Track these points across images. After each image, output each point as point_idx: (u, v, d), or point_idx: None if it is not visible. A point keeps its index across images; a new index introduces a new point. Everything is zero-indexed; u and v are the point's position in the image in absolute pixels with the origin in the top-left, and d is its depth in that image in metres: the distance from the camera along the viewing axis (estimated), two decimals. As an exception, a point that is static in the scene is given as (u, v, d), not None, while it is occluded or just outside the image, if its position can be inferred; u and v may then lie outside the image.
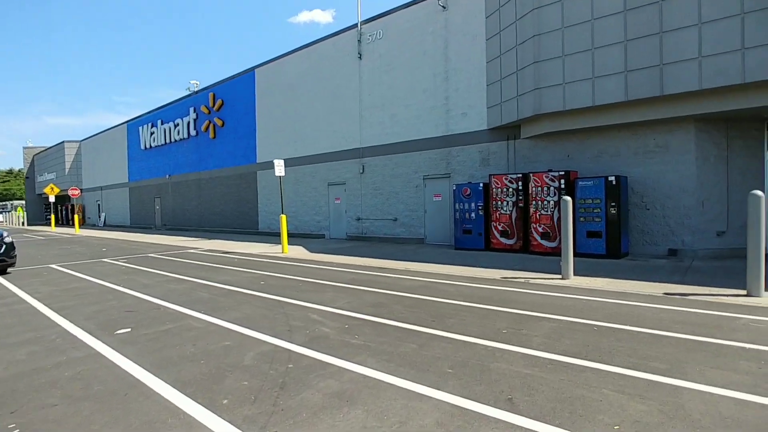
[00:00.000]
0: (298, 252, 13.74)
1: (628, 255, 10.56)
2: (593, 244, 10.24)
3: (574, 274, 8.11)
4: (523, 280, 8.09)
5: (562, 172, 10.62)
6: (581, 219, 10.45)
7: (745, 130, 10.10)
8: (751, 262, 6.15)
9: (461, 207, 12.68)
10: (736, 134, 10.11)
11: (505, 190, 11.73)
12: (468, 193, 12.48)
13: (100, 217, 38.49)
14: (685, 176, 10.14)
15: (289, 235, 19.54)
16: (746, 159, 10.21)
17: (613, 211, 10.00)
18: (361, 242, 16.33)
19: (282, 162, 14.06)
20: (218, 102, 24.03)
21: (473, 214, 12.41)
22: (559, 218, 10.68)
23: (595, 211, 10.21)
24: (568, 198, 7.98)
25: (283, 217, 14.01)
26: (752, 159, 10.24)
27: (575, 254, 9.84)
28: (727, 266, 8.77)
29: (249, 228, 22.51)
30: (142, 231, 28.45)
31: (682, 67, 8.82)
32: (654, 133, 10.47)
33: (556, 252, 10.60)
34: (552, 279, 8.05)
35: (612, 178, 9.98)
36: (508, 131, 12.90)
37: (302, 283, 8.28)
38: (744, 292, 6.30)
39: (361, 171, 16.90)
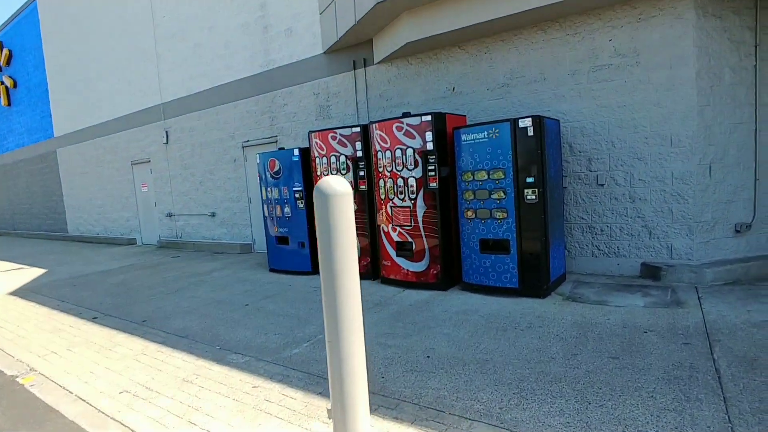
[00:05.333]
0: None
1: (564, 280, 5.19)
2: (494, 266, 4.76)
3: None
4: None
5: (428, 117, 4.98)
6: (467, 213, 4.93)
7: (790, 13, 4.86)
8: None
9: (270, 195, 6.86)
10: (772, 21, 4.85)
11: (334, 159, 5.98)
12: (276, 169, 6.65)
13: None
14: (674, 115, 4.82)
15: (95, 242, 13.13)
16: (790, 74, 5.00)
17: (531, 194, 4.50)
18: (165, 254, 10.21)
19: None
20: (5, 53, 16.64)
21: (288, 208, 6.63)
22: (429, 211, 5.11)
23: (494, 195, 4.68)
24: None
25: None
26: (800, 74, 5.04)
27: (461, 285, 4.44)
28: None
29: (59, 231, 15.73)
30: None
31: None
32: (611, 28, 5.04)
33: (425, 283, 5.06)
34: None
35: (526, 122, 4.45)
36: (355, 54, 7.14)
37: None
38: None
39: (165, 140, 10.67)
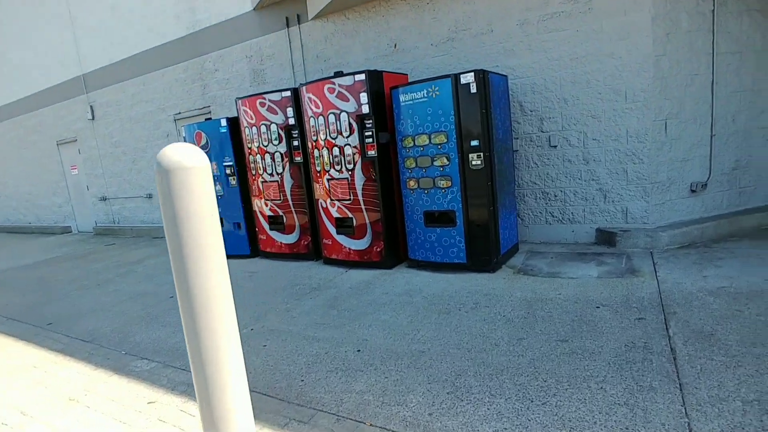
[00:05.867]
0: None
1: (516, 251, 4.84)
2: (440, 240, 4.33)
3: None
4: None
5: (361, 76, 4.39)
6: (410, 183, 4.46)
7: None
8: None
9: (199, 171, 6.16)
10: (731, -41, 4.46)
11: (264, 128, 5.35)
12: (203, 143, 5.95)
13: None
14: (628, 67, 4.42)
15: (28, 232, 12.07)
16: (747, 16, 4.65)
17: (476, 159, 4.05)
18: (100, 241, 9.38)
19: None
20: None
21: (219, 186, 5.99)
22: (368, 183, 4.60)
23: (436, 162, 4.21)
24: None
25: None
26: (756, 15, 4.70)
27: (408, 262, 4.04)
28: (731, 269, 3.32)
29: (-11, 220, 14.40)
30: None
31: None
32: (559, -31, 4.54)
33: (369, 262, 4.63)
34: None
35: (468, 78, 3.94)
36: (287, 10, 6.39)
37: None
38: None
39: (91, 116, 9.63)
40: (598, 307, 3.26)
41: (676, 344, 2.63)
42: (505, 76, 4.58)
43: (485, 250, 4.21)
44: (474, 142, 4.02)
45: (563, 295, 3.56)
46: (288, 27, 6.44)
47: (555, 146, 4.84)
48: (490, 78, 4.11)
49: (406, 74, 5.13)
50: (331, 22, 6.07)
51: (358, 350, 3.04)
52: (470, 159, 4.06)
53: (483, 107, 3.97)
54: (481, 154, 4.01)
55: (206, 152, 5.91)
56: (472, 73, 3.90)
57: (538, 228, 5.11)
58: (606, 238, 4.67)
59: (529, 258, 4.59)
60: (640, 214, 4.58)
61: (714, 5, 4.47)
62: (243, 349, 3.21)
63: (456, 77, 3.98)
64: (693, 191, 4.66)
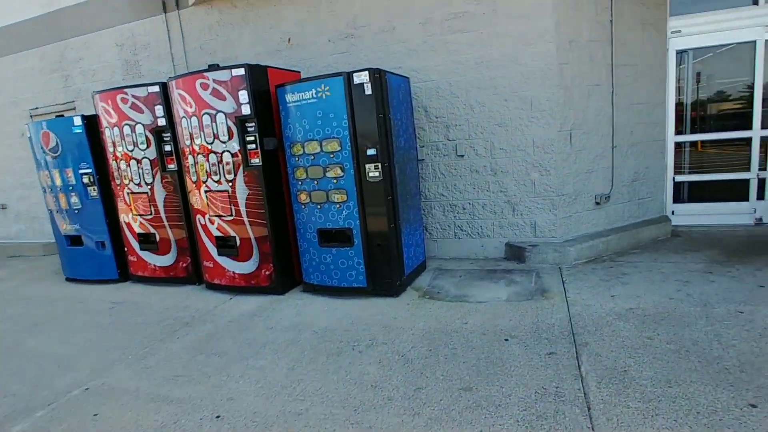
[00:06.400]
0: None
1: (424, 269, 4.42)
2: (336, 261, 3.76)
3: None
4: None
5: (240, 71, 3.70)
6: (301, 197, 3.84)
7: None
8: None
9: (50, 181, 5.04)
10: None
11: (128, 129, 4.42)
12: (53, 145, 4.85)
13: None
14: (534, 74, 4.20)
15: None
16: (641, 30, 4.67)
17: (373, 170, 3.53)
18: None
19: None
20: None
21: (76, 197, 4.92)
22: (253, 196, 3.90)
23: (329, 173, 3.63)
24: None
25: None
26: (650, 29, 4.75)
27: (303, 286, 3.37)
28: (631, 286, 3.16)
29: None
30: None
31: None
32: (463, -35, 4.22)
33: (258, 287, 3.90)
34: None
35: (362, 77, 3.42)
36: (165, -10, 5.49)
37: None
38: None
39: None
40: (506, 340, 2.88)
41: (589, 387, 2.29)
42: (407, 78, 4.15)
43: (387, 272, 3.71)
44: (371, 151, 3.51)
45: (470, 324, 3.15)
46: (165, 12, 5.54)
47: (462, 156, 4.51)
48: (389, 79, 3.64)
49: (299, 72, 4.52)
50: (216, 10, 5.29)
51: (218, 416, 2.37)
52: (367, 170, 3.55)
53: (380, 111, 3.47)
54: (379, 164, 3.51)
55: (56, 156, 4.83)
56: (367, 72, 3.40)
57: (448, 243, 4.74)
58: (515, 253, 4.41)
59: (437, 277, 4.18)
60: (548, 228, 4.38)
61: (612, 16, 4.40)
62: (63, 425, 2.39)
63: (349, 76, 3.45)
64: (597, 203, 4.56)
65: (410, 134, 4.10)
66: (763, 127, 4.85)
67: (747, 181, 4.96)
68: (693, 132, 5.15)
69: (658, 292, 3.42)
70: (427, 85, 4.51)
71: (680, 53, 5.00)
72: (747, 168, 4.94)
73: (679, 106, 5.16)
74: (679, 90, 5.16)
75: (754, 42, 4.73)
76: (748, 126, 4.88)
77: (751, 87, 4.82)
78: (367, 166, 3.55)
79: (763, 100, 4.81)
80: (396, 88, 3.80)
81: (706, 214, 5.09)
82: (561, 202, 4.33)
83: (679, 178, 5.15)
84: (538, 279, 3.90)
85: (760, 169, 4.92)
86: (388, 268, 3.72)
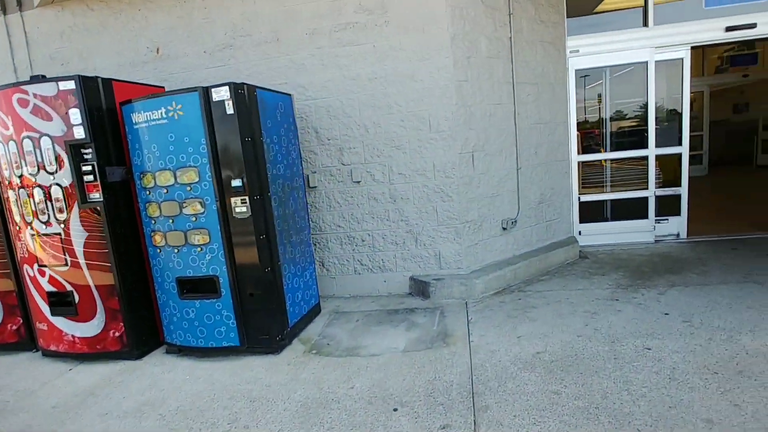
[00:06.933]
0: None
1: (318, 312, 3.85)
2: (201, 316, 3.07)
3: None
4: None
5: (69, 84, 2.95)
6: (155, 239, 3.12)
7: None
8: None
9: None
10: (522, -14, 4.26)
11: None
12: None
13: None
14: (431, 91, 3.85)
15: None
16: (541, 48, 4.53)
17: (240, 205, 2.91)
18: None
19: None
20: None
21: None
22: (94, 240, 3.10)
23: (186, 209, 2.96)
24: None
25: None
26: (550, 47, 4.63)
27: (165, 346, 2.56)
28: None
29: None
30: None
31: None
32: (349, -29, 3.79)
33: (106, 353, 3.04)
34: None
35: (221, 93, 2.82)
36: (0, -13, 4.54)
37: None
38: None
39: None
40: (395, 409, 2.38)
41: (484, 481, 1.82)
42: (289, 95, 3.61)
43: (265, 326, 3.10)
44: (236, 183, 2.90)
45: (357, 390, 2.61)
46: (5, 13, 4.58)
47: (358, 182, 4.03)
48: (261, 96, 3.08)
49: (163, 87, 3.82)
50: (68, 12, 4.44)
51: None
52: (233, 204, 2.94)
53: (247, 134, 2.89)
54: (247, 198, 2.91)
55: None
56: (227, 87, 2.81)
57: (348, 279, 4.22)
58: (420, 288, 3.98)
59: (331, 323, 3.62)
60: (454, 258, 4.01)
61: (511, 32, 4.19)
62: None
63: (206, 91, 2.84)
64: (504, 229, 4.28)
65: (294, 159, 3.55)
66: (657, 146, 4.89)
67: (646, 199, 4.97)
68: (594, 151, 5.11)
69: (566, 328, 3.12)
70: (317, 104, 4.01)
71: (580, 73, 4.94)
72: (646, 186, 4.95)
73: (582, 124, 5.10)
74: (582, 109, 5.12)
75: (646, 63, 4.76)
76: (645, 144, 4.89)
77: (646, 107, 4.84)
78: (233, 200, 2.94)
79: (656, 119, 4.85)
80: (272, 106, 3.24)
81: (611, 233, 5.03)
82: (466, 229, 3.99)
83: (585, 197, 5.06)
84: (442, 319, 3.48)
85: (657, 187, 4.94)
86: (265, 321, 3.10)
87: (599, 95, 6.02)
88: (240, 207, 2.94)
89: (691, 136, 4.95)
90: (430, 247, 4.02)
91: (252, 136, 2.95)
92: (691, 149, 4.98)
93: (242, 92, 2.89)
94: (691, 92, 4.84)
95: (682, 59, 4.73)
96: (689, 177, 4.91)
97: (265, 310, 3.09)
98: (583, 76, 5.02)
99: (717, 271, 3.96)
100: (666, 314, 3.19)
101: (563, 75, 4.74)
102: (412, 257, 4.07)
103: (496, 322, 3.35)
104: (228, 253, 2.99)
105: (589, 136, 6.55)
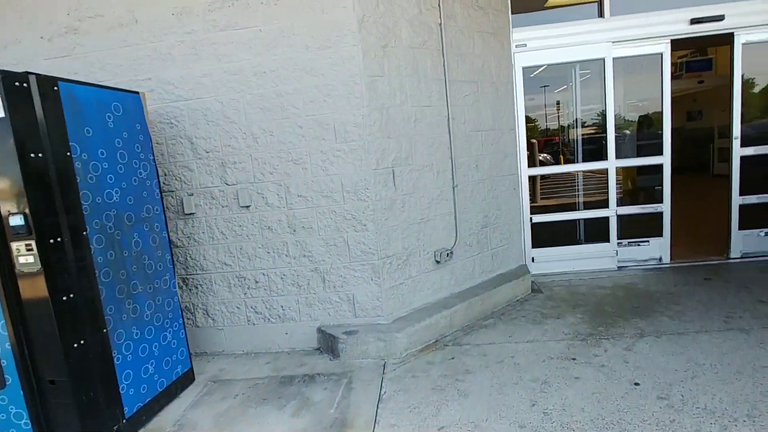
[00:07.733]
0: None
1: (191, 381, 2.88)
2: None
3: None
4: None
5: None
6: None
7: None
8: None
9: None
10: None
11: None
12: None
13: None
14: (335, 89, 2.97)
15: None
16: (480, 39, 3.74)
17: (25, 253, 1.93)
18: None
19: None
20: None
21: None
22: None
23: (-56, 261, 1.95)
24: None
25: None
26: (491, 39, 3.85)
27: None
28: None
29: None
30: None
31: None
32: (222, -69, 2.88)
33: None
34: None
35: (-17, 87, 1.85)
36: None
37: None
38: None
39: None
40: None
41: None
42: (137, 93, 2.64)
43: (81, 424, 2.12)
44: (16, 221, 1.93)
45: None
46: None
47: (248, 206, 3.11)
48: (72, 93, 2.13)
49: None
50: None
51: None
52: (16, 253, 1.96)
53: (34, 148, 1.93)
54: (33, 243, 1.94)
55: None
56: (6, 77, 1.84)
57: (239, 330, 3.27)
58: (328, 343, 3.08)
59: (201, 400, 2.67)
60: (371, 304, 3.13)
61: (441, 17, 3.38)
62: None
63: (-44, 84, 1.85)
64: (438, 262, 3.44)
65: (143, 181, 2.59)
66: (618, 157, 4.20)
67: (607, 219, 4.26)
68: (551, 164, 4.37)
69: (505, 411, 2.29)
70: (190, 106, 3.07)
71: (527, 70, 4.20)
72: (606, 204, 4.25)
73: (532, 132, 4.37)
74: (539, 115, 4.39)
75: (603, 59, 4.07)
76: (604, 155, 4.19)
77: (603, 112, 4.15)
78: (14, 245, 1.96)
79: (616, 126, 4.17)
80: (97, 108, 2.29)
81: (568, 260, 4.30)
82: (386, 266, 3.12)
83: (538, 218, 4.31)
84: (346, 394, 2.59)
85: (618, 205, 4.25)
86: (81, 418, 2.12)
87: (557, 101, 5.33)
88: (25, 256, 1.96)
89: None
90: (342, 289, 3.13)
91: (44, 151, 1.98)
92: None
93: (25, 86, 1.93)
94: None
95: (662, 54, 4.05)
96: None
97: (79, 403, 2.12)
98: (532, 75, 4.29)
99: (692, 312, 3.24)
100: (636, 385, 2.42)
101: (508, 72, 3.98)
102: (320, 302, 3.17)
103: (416, 399, 2.49)
104: (13, 323, 2.01)
105: (547, 144, 5.87)
